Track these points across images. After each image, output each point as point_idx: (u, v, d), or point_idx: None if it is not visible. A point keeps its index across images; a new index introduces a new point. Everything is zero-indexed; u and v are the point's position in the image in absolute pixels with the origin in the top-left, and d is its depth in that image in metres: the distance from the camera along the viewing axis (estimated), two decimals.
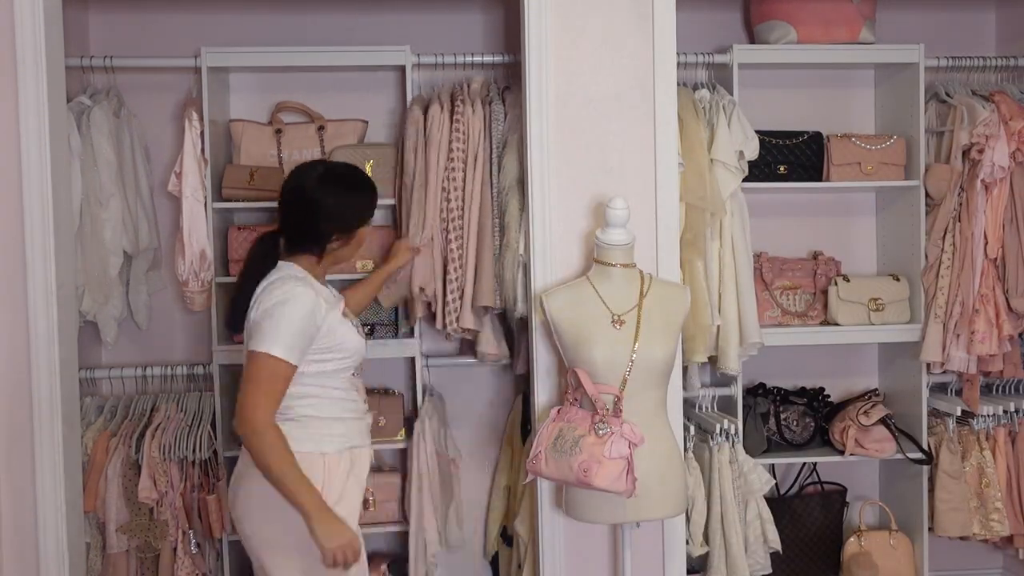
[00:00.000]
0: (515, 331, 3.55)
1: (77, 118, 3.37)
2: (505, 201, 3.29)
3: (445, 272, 3.30)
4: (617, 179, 3.04)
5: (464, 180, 3.31)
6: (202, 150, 3.45)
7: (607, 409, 2.63)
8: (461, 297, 3.29)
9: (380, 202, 3.49)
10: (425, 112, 3.38)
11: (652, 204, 3.05)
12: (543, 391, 3.06)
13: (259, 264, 2.57)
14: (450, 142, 3.31)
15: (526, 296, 3.34)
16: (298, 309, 2.42)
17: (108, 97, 3.50)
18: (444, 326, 3.31)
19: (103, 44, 3.72)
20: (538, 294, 2.95)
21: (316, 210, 2.55)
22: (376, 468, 3.73)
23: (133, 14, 3.75)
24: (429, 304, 3.36)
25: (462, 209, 3.30)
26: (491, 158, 3.33)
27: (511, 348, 3.56)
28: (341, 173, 2.66)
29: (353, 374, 2.61)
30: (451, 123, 3.32)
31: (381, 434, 3.57)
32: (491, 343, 3.41)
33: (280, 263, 2.57)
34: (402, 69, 3.54)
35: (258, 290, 2.51)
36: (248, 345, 2.44)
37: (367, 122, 3.71)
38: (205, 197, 3.44)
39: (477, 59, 3.56)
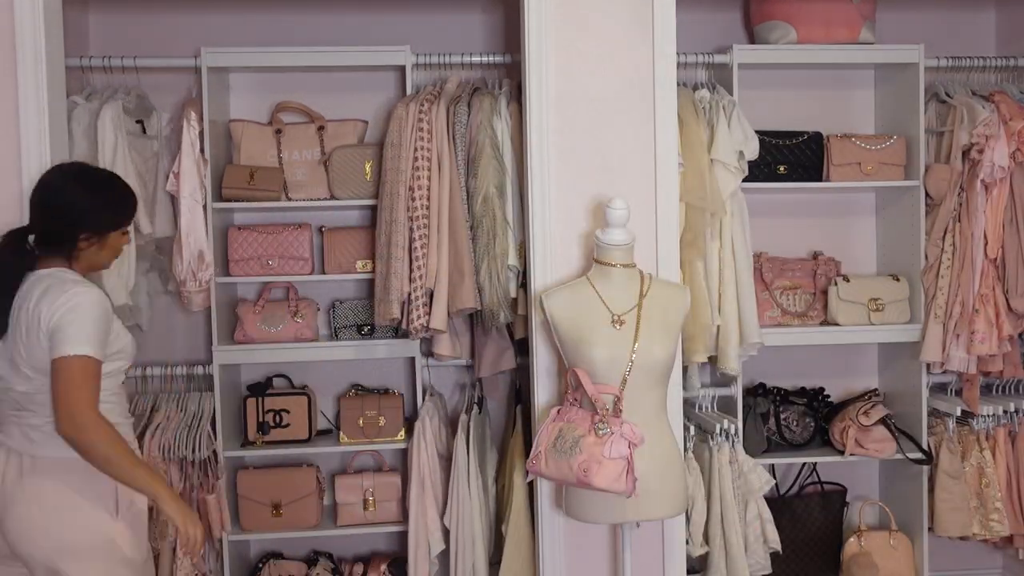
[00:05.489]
0: (475, 334, 3.52)
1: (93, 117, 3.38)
2: (487, 207, 3.26)
3: (411, 272, 3.27)
4: (617, 179, 3.04)
5: (429, 180, 3.27)
6: (202, 150, 3.45)
7: (607, 409, 2.63)
8: (428, 297, 3.26)
9: (359, 203, 3.52)
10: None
11: (652, 204, 3.05)
12: (543, 391, 3.06)
13: (13, 266, 2.48)
14: (415, 142, 3.29)
15: (515, 304, 3.34)
16: (96, 307, 2.39)
17: (112, 95, 3.50)
18: (406, 325, 3.30)
19: (103, 44, 3.72)
20: (538, 294, 2.95)
21: (62, 209, 2.49)
22: (376, 468, 3.74)
23: (133, 14, 3.75)
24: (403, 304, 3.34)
25: (427, 209, 3.27)
26: (457, 160, 3.31)
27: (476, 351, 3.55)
28: (88, 172, 2.61)
29: (123, 381, 2.61)
30: (416, 123, 3.30)
31: (381, 434, 3.58)
32: (445, 344, 3.40)
33: (46, 271, 2.48)
34: (402, 69, 3.54)
35: (32, 295, 2.42)
36: (53, 351, 2.34)
37: (367, 122, 3.71)
38: (205, 197, 3.44)
39: (477, 59, 3.56)
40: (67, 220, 2.49)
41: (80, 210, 2.49)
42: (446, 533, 3.43)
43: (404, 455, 3.64)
